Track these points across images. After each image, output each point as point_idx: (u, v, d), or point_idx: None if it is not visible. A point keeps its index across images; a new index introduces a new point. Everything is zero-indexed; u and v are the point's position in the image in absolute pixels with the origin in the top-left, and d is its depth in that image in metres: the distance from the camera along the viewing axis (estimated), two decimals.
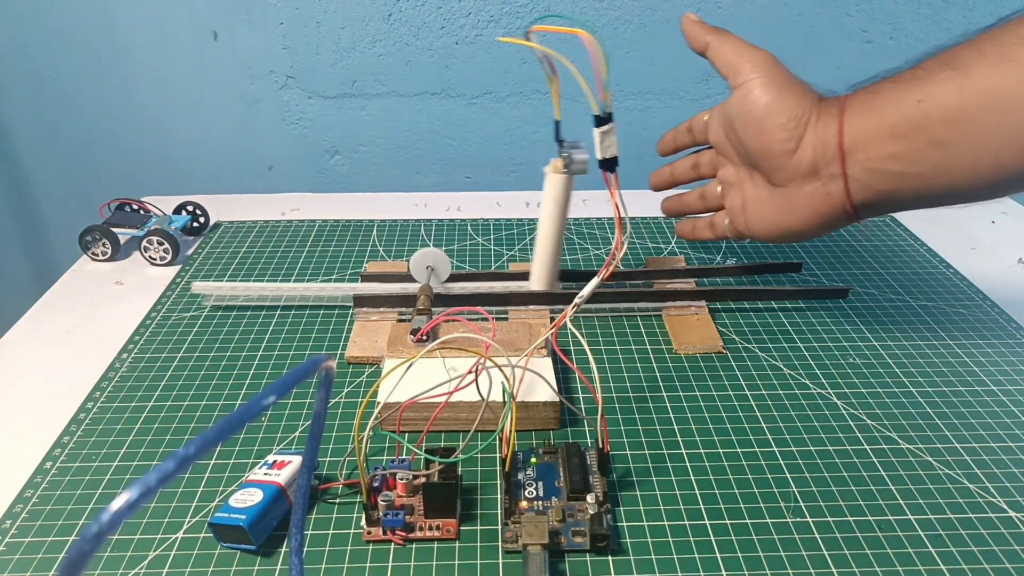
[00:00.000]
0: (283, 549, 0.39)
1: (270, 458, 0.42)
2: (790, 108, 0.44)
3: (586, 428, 0.48)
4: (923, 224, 0.74)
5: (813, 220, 0.45)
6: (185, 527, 0.40)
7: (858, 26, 0.87)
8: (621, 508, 0.42)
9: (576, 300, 0.47)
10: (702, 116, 0.52)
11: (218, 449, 0.46)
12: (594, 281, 0.47)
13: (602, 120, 0.46)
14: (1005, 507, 0.42)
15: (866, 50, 0.88)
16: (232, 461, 0.45)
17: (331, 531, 0.40)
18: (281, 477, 0.40)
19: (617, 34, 0.86)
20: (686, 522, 0.41)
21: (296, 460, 0.42)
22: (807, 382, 0.52)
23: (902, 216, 0.76)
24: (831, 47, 0.88)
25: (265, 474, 0.41)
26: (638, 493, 0.43)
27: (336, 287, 0.60)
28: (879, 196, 0.42)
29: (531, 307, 0.58)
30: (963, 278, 0.65)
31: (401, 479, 0.41)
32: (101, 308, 0.61)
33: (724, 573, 0.38)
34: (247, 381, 0.52)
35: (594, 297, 0.57)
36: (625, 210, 0.47)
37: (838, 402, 0.50)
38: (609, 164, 0.47)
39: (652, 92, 0.89)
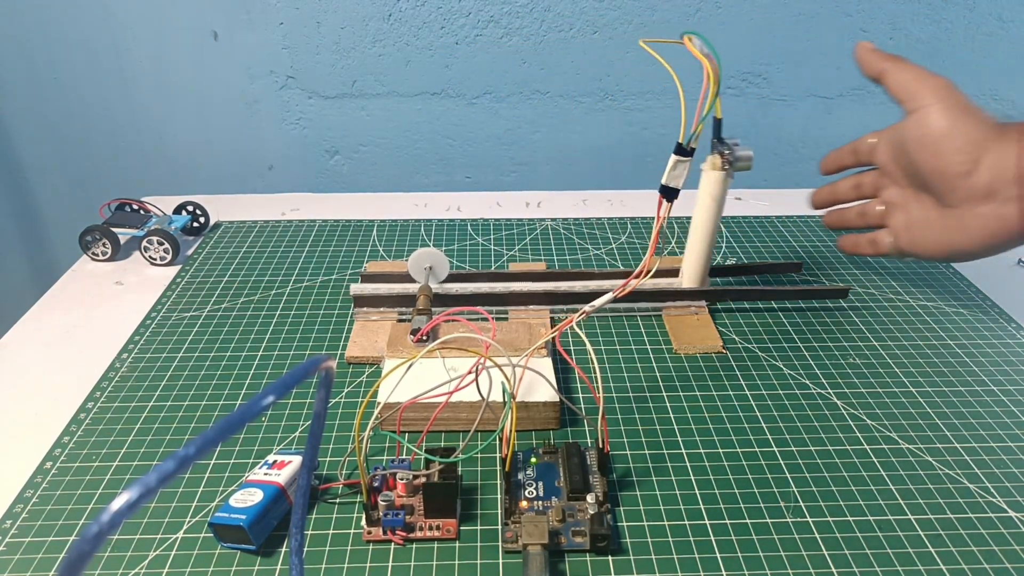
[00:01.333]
0: (283, 549, 0.39)
1: (270, 458, 0.42)
2: (969, 132, 0.46)
3: (586, 428, 0.48)
4: None
5: (985, 241, 0.47)
6: (185, 527, 0.40)
7: (858, 26, 0.87)
8: (621, 508, 0.42)
9: (585, 309, 0.47)
10: (868, 138, 0.54)
11: (218, 449, 0.46)
12: (607, 296, 0.47)
13: (683, 151, 0.46)
14: (1005, 507, 0.42)
15: None
16: (232, 461, 0.45)
17: (331, 531, 0.40)
18: (281, 477, 0.40)
19: (617, 34, 0.86)
20: (686, 522, 0.41)
21: (296, 460, 0.42)
22: (807, 382, 0.52)
23: None
24: (831, 47, 0.88)
25: (265, 474, 0.41)
26: (638, 493, 0.43)
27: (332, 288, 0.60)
28: None
29: (531, 307, 0.58)
30: (963, 278, 0.65)
31: (401, 479, 0.41)
32: (101, 308, 0.61)
33: (724, 573, 0.38)
34: (247, 381, 0.52)
35: (594, 297, 0.57)
36: (666, 241, 0.47)
37: (838, 402, 0.50)
38: (669, 193, 0.47)
39: (652, 92, 0.89)
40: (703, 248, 0.58)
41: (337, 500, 0.42)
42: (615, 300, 0.47)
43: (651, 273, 0.47)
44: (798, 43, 0.87)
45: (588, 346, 0.42)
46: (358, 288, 0.59)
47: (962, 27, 0.86)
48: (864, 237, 0.56)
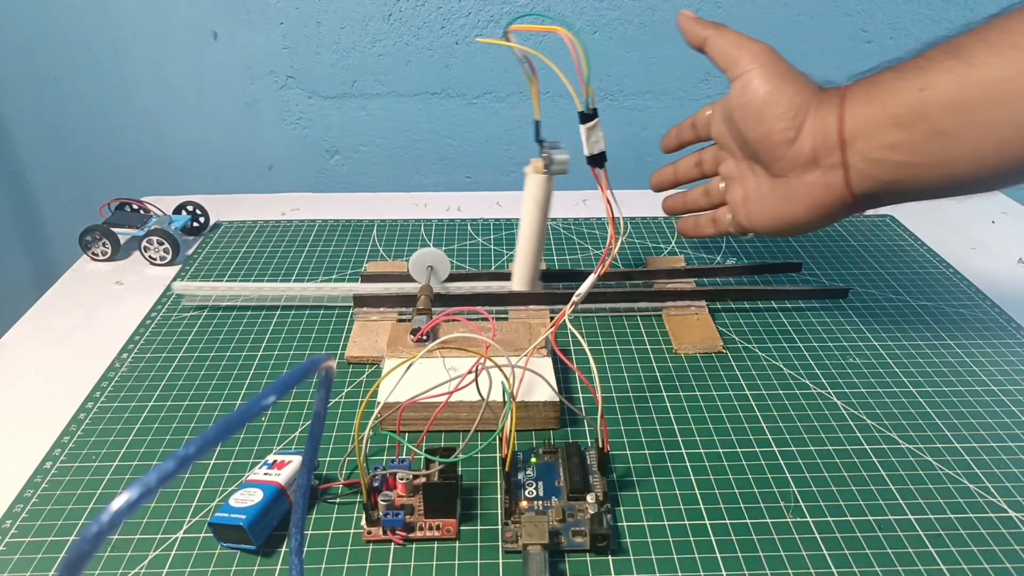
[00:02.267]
0: (283, 549, 0.39)
1: (270, 458, 0.42)
2: (789, 98, 0.44)
3: (586, 428, 0.48)
4: (923, 224, 0.74)
5: (813, 211, 0.45)
6: (185, 527, 0.40)
7: (858, 26, 0.87)
8: (621, 508, 0.42)
9: (574, 299, 0.47)
10: (705, 111, 0.52)
11: (218, 449, 0.46)
12: (591, 279, 0.47)
13: (587, 116, 0.46)
14: (1005, 507, 0.42)
15: (866, 50, 0.88)
16: (232, 461, 0.45)
17: (331, 531, 0.40)
18: (281, 477, 0.40)
19: (617, 34, 0.86)
20: (686, 522, 0.41)
21: (296, 460, 0.42)
22: (807, 382, 0.52)
23: (902, 216, 0.76)
24: (831, 47, 0.88)
25: (265, 474, 0.41)
26: (638, 493, 0.43)
27: (332, 287, 0.60)
28: (880, 186, 0.42)
29: (531, 307, 0.58)
30: (963, 278, 0.65)
31: (401, 479, 0.41)
32: (101, 308, 0.61)
33: (724, 573, 0.38)
34: (247, 381, 0.52)
35: (594, 297, 0.57)
36: (618, 207, 0.47)
37: (838, 402, 0.50)
38: (597, 160, 0.47)
39: (652, 92, 0.89)
40: (531, 252, 0.57)
41: (337, 500, 0.42)
42: (613, 294, 0.47)
43: (619, 244, 0.46)
44: (798, 43, 0.87)
45: (585, 345, 0.42)
46: (358, 288, 0.59)
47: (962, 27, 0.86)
48: (704, 216, 0.54)
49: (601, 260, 0.47)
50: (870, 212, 0.54)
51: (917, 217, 0.75)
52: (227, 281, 0.65)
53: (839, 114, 0.42)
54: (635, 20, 0.85)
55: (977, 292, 0.63)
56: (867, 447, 0.46)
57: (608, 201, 0.47)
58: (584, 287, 0.47)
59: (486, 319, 0.50)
